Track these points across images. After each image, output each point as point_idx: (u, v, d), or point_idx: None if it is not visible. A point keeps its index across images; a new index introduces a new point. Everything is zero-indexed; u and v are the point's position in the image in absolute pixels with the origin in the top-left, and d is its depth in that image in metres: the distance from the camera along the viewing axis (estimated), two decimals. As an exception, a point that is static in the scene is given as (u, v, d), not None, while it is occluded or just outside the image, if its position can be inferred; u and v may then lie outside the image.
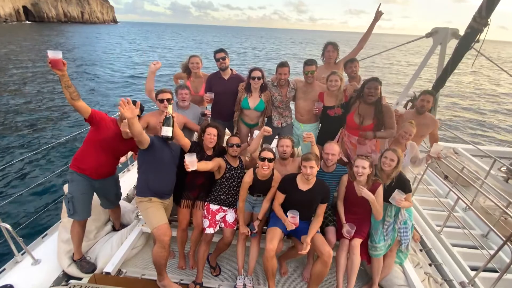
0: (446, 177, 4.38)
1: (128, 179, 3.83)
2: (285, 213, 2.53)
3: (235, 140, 2.69)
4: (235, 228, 2.68)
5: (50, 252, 2.62)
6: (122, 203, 3.18)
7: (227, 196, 2.73)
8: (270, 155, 2.45)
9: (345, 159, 3.17)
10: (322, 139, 3.09)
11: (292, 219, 2.27)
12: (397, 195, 2.37)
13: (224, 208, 2.73)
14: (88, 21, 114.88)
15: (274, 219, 2.55)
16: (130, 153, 3.71)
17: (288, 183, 2.49)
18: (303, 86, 3.31)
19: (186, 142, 2.56)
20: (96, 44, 41.64)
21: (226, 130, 3.76)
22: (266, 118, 3.53)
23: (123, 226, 3.06)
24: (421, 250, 3.05)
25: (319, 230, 2.54)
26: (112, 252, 2.69)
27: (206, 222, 2.63)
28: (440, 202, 3.66)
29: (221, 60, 3.32)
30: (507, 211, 2.78)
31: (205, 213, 2.68)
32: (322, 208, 2.49)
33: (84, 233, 2.61)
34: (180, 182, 2.73)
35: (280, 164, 2.83)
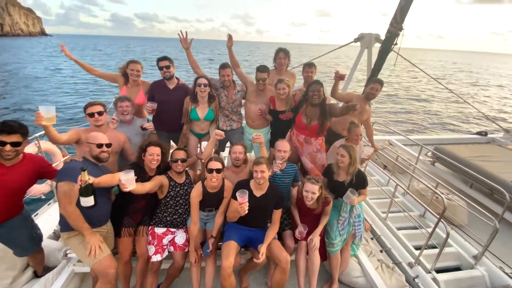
0: (385, 167, 4.80)
1: (54, 212, 3.24)
2: (239, 224, 2.40)
3: (180, 154, 2.45)
4: (186, 250, 2.43)
5: None
6: (46, 241, 2.64)
7: (174, 217, 2.47)
8: (218, 165, 2.30)
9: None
10: (275, 141, 3.10)
11: (241, 199, 2.09)
12: (351, 195, 2.44)
13: (172, 229, 2.46)
14: (9, 33, 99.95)
15: (229, 232, 2.40)
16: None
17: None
18: (255, 89, 3.28)
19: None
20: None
21: (171, 142, 3.50)
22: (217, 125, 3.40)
23: (47, 269, 2.53)
24: (372, 239, 3.22)
25: (276, 236, 2.47)
26: (35, 305, 2.19)
27: (152, 249, 2.32)
28: (382, 191, 3.97)
29: (165, 68, 3.08)
30: (436, 191, 3.11)
31: (150, 238, 2.38)
32: (277, 214, 2.42)
33: None
34: (118, 208, 2.38)
35: (233, 172, 2.72)
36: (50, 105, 2.06)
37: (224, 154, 4.51)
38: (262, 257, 2.18)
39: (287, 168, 2.80)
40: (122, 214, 2.38)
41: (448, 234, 2.62)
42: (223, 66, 3.14)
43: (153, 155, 2.33)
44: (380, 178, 4.54)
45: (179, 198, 2.46)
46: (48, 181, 3.64)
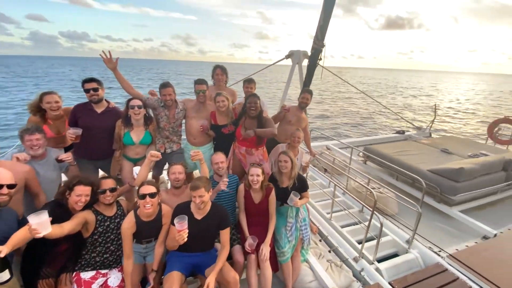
0: (325, 170, 5.15)
1: None
2: (182, 251, 2.21)
3: (108, 183, 2.18)
4: (123, 292, 2.12)
5: None
6: None
7: (105, 256, 2.15)
8: (152, 190, 2.11)
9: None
10: None
11: (179, 226, 1.94)
12: (293, 197, 2.54)
13: (103, 271, 2.13)
14: None
15: (171, 262, 2.18)
16: None
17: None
18: (195, 105, 3.21)
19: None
20: None
21: (100, 171, 3.13)
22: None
23: None
24: (320, 241, 3.34)
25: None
26: None
27: (78, 299, 1.96)
28: (324, 193, 4.21)
29: (92, 91, 2.75)
30: (368, 187, 3.43)
31: (75, 287, 2.00)
32: (225, 235, 2.29)
33: None
34: (31, 258, 1.96)
35: (173, 195, 2.54)
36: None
37: (167, 177, 4.25)
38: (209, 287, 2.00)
39: (229, 179, 2.76)
40: (37, 263, 1.98)
41: (381, 225, 2.88)
42: (164, 85, 3.00)
43: (81, 196, 2.01)
44: (322, 181, 4.82)
45: (109, 234, 2.16)
46: None
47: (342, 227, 3.59)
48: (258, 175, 2.57)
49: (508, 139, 6.49)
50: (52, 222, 1.71)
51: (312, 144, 5.88)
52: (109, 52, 2.92)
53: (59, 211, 1.97)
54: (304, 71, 5.51)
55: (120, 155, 2.91)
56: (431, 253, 3.13)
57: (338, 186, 3.69)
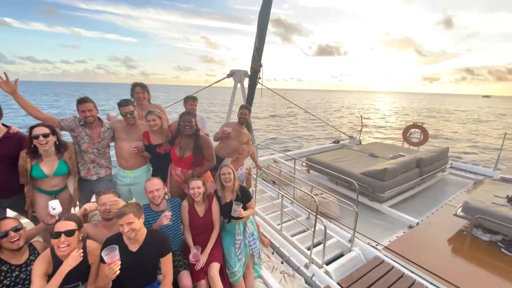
0: (274, 183, 5.30)
1: None
2: None
3: (9, 223, 1.84)
4: None
5: None
6: None
7: (14, 313, 1.75)
8: (69, 226, 1.81)
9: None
10: None
11: (108, 259, 1.72)
12: (236, 207, 2.53)
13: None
14: None
15: (106, 305, 1.89)
16: None
17: None
18: (125, 126, 2.97)
19: None
20: None
21: (9, 211, 2.60)
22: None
23: None
24: (273, 253, 3.35)
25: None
26: None
27: None
28: (274, 204, 4.31)
29: None
30: (311, 194, 3.65)
31: None
32: (166, 263, 2.09)
33: None
34: None
35: (104, 227, 2.27)
36: None
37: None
38: None
39: (170, 204, 2.62)
40: None
41: (325, 228, 3.05)
42: (82, 101, 2.67)
43: None
44: (271, 193, 4.93)
45: (20, 286, 1.78)
46: None
47: (292, 236, 3.69)
48: (199, 187, 2.57)
49: (418, 141, 7.78)
50: None
51: (260, 158, 6.04)
52: (5, 73, 2.46)
53: None
54: (247, 90, 5.75)
55: (30, 190, 2.48)
56: (370, 248, 3.42)
57: (285, 196, 3.82)
